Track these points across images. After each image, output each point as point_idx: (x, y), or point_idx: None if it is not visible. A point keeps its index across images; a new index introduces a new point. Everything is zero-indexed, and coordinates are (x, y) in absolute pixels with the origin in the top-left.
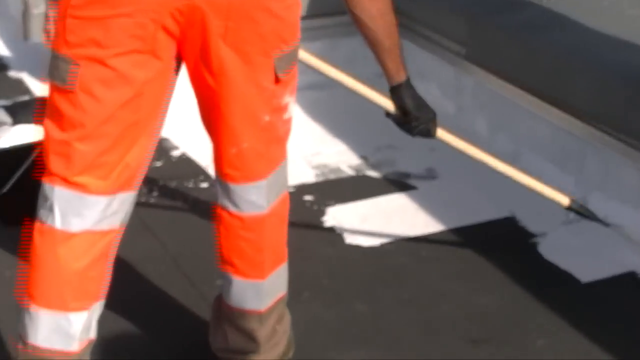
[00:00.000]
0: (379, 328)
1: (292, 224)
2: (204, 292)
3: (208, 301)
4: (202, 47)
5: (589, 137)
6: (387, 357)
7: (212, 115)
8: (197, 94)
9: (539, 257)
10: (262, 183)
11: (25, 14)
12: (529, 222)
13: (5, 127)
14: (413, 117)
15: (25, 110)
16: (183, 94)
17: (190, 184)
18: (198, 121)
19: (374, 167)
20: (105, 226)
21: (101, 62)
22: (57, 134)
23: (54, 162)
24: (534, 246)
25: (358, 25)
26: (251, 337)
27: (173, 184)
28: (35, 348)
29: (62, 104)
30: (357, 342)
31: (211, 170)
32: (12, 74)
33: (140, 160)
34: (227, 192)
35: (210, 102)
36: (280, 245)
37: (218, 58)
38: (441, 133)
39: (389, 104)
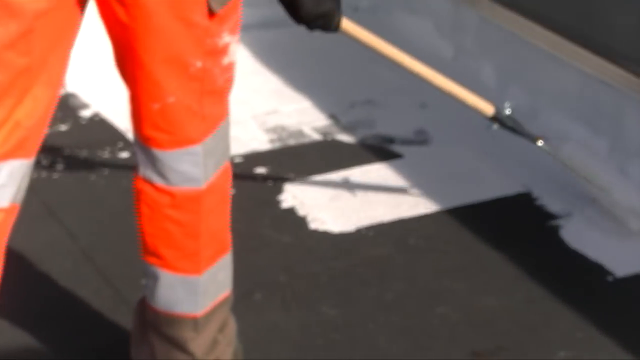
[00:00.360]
0: (353, 338)
1: (239, 204)
2: (123, 293)
3: (129, 305)
4: None
5: (628, 88)
6: None
7: (127, 60)
8: (109, 33)
9: (561, 245)
10: (197, 149)
11: None
12: (549, 199)
13: None
14: (310, 13)
15: None
16: (95, 36)
17: (106, 154)
18: (114, 71)
19: (346, 129)
20: None
21: None
22: None
23: None
24: (554, 231)
25: None
26: (184, 350)
27: (83, 154)
28: None
29: None
30: (324, 357)
31: (132, 134)
32: None
33: (35, 118)
34: (152, 161)
35: (124, 43)
36: (221, 231)
37: None
38: (347, 25)
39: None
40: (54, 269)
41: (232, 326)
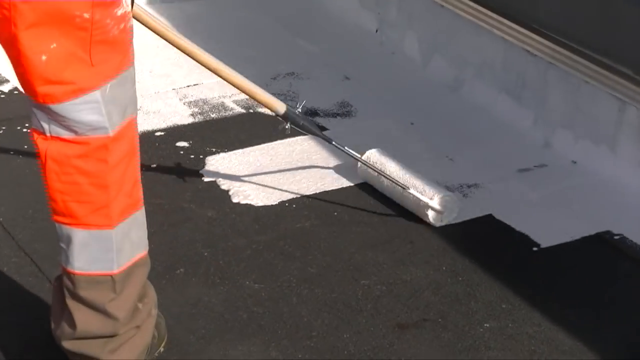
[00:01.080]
0: (277, 313)
1: (161, 178)
2: (44, 269)
3: (52, 281)
4: None
5: (552, 59)
6: (288, 349)
7: (6, 21)
8: None
9: (487, 217)
10: (95, 96)
11: None
12: (472, 167)
13: None
14: None
15: None
16: None
17: (25, 128)
18: None
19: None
20: None
21: None
22: None
23: None
24: (477, 199)
25: None
26: (105, 312)
27: (2, 129)
28: None
29: None
30: (248, 331)
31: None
32: None
33: None
34: (54, 117)
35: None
36: (131, 185)
37: None
38: (137, 10)
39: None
40: None
41: (152, 297)
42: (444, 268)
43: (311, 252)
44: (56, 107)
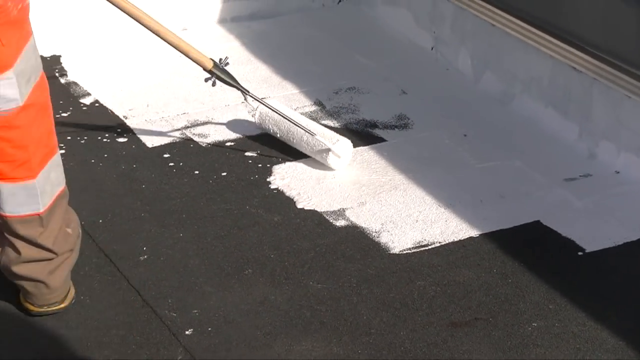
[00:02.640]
0: (338, 311)
1: (231, 185)
2: (122, 269)
3: (128, 280)
4: None
5: (596, 74)
6: (348, 345)
7: None
8: None
9: (536, 222)
10: (10, 73)
11: None
12: (521, 176)
13: None
14: None
15: None
16: (87, 31)
17: (105, 138)
18: (114, 61)
19: (331, 114)
20: None
21: None
22: None
23: None
24: (526, 206)
25: None
26: (36, 244)
27: (84, 139)
28: None
29: None
30: (312, 328)
31: (130, 121)
32: None
33: None
34: None
35: None
36: (45, 137)
37: None
38: None
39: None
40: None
41: (76, 220)
42: (494, 270)
43: (370, 255)
44: None
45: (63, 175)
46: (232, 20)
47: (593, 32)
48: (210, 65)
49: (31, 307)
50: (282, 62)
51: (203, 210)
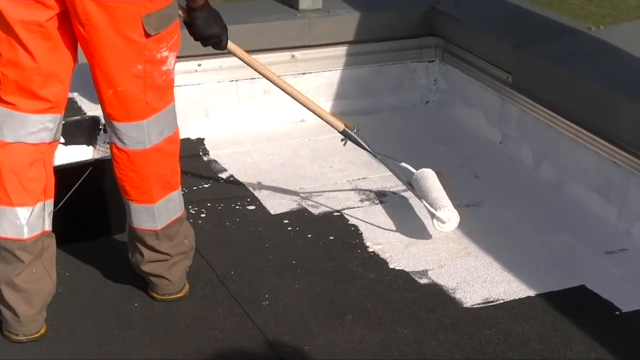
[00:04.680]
0: (420, 352)
1: (336, 247)
2: (248, 311)
3: (254, 321)
4: (71, 1)
5: (633, 168)
6: None
7: (92, 62)
8: (81, 45)
9: (581, 286)
10: (143, 123)
11: None
12: (570, 248)
13: (59, 146)
14: (201, 34)
15: (76, 129)
16: (226, 118)
17: (238, 206)
18: (247, 144)
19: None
20: (33, 139)
21: None
22: None
23: None
24: (573, 272)
25: None
26: (155, 250)
27: (221, 206)
28: None
29: None
30: None
31: (258, 193)
32: None
33: (58, 89)
34: (114, 130)
35: (87, 51)
36: (168, 176)
37: (84, 10)
38: (232, 46)
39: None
40: (197, 291)
41: (192, 236)
42: (547, 324)
43: (447, 307)
44: (117, 124)
45: (182, 206)
46: (341, 114)
47: (631, 133)
48: (341, 127)
49: (156, 296)
50: (379, 149)
51: (314, 267)
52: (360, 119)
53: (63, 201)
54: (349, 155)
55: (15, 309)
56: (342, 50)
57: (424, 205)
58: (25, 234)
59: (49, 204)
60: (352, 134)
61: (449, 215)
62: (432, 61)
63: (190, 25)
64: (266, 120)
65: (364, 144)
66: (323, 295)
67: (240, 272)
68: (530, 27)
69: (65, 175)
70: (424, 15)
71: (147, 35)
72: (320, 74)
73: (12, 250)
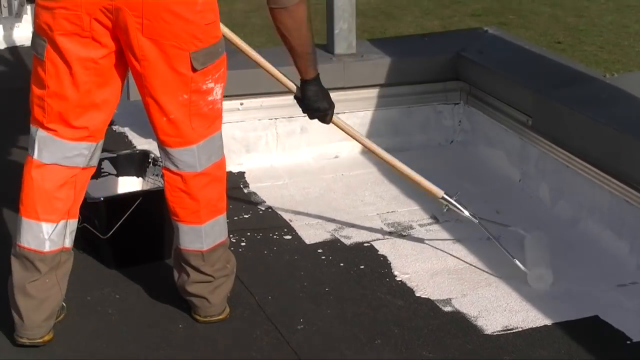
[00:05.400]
0: None
1: (365, 276)
2: (284, 334)
3: (289, 343)
4: (127, 37)
5: None
6: None
7: (144, 93)
8: (133, 77)
9: (594, 317)
10: (193, 148)
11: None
12: (584, 280)
13: (111, 177)
14: (309, 107)
15: (128, 162)
16: (265, 154)
17: (275, 236)
18: (284, 177)
19: (443, 227)
20: (68, 163)
21: (53, 40)
22: (36, 91)
23: (35, 111)
24: (587, 303)
25: (279, 35)
26: (200, 271)
27: (259, 235)
28: (18, 245)
29: (39, 69)
30: None
31: (294, 223)
32: (117, 128)
33: (97, 121)
34: (167, 156)
35: (141, 83)
36: (215, 200)
37: (139, 47)
38: (336, 120)
39: (293, 88)
40: (237, 314)
41: (234, 262)
42: (562, 351)
43: (469, 334)
44: (169, 150)
45: (226, 231)
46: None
47: None
48: (440, 194)
49: (198, 318)
50: (406, 185)
51: (345, 294)
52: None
53: (115, 228)
54: (379, 189)
55: (23, 314)
56: (374, 92)
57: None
58: (46, 248)
59: (72, 223)
60: (452, 200)
61: (547, 277)
62: (457, 104)
63: (301, 98)
64: (302, 156)
65: (465, 211)
66: (354, 321)
67: (276, 297)
68: (548, 73)
69: (117, 204)
70: (450, 61)
71: (194, 69)
72: (354, 114)
73: (32, 260)
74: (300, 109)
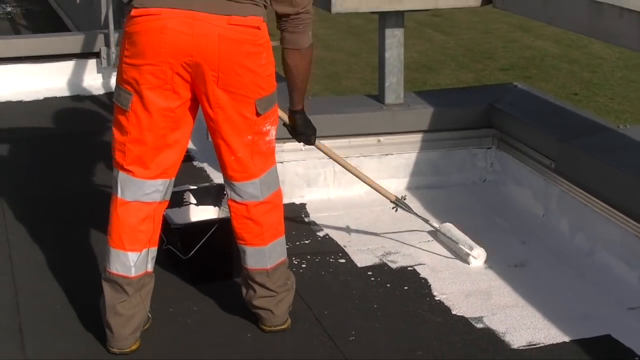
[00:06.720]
0: None
1: (410, 295)
2: (340, 346)
3: (342, 352)
4: (204, 88)
5: None
6: None
7: (215, 136)
8: (206, 122)
9: (607, 335)
10: (256, 181)
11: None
12: (598, 304)
13: (192, 207)
14: (299, 132)
15: (206, 193)
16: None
17: (331, 259)
18: (340, 209)
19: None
20: (147, 199)
21: (140, 92)
22: (119, 137)
23: (117, 155)
24: (600, 324)
25: (286, 72)
26: (265, 287)
27: (318, 258)
28: (108, 272)
29: (122, 118)
30: None
31: (347, 249)
32: (196, 164)
33: (170, 160)
34: (234, 189)
35: (213, 127)
36: (275, 224)
37: (215, 97)
38: (318, 143)
39: (392, 197)
40: (297, 326)
41: (293, 279)
42: None
43: (497, 348)
44: (236, 183)
45: (285, 252)
46: (416, 188)
47: None
48: (393, 198)
49: (264, 328)
50: (447, 218)
51: (390, 311)
52: (432, 193)
53: (194, 250)
54: (421, 220)
55: (113, 329)
56: (418, 137)
57: (459, 247)
58: (132, 273)
59: (153, 250)
60: (402, 203)
61: (479, 252)
62: (490, 148)
63: (291, 126)
64: (355, 191)
65: (410, 210)
66: (398, 335)
67: (332, 312)
68: (569, 123)
69: (197, 230)
70: (484, 111)
71: (258, 114)
72: (400, 155)
73: (121, 284)
74: (294, 137)
